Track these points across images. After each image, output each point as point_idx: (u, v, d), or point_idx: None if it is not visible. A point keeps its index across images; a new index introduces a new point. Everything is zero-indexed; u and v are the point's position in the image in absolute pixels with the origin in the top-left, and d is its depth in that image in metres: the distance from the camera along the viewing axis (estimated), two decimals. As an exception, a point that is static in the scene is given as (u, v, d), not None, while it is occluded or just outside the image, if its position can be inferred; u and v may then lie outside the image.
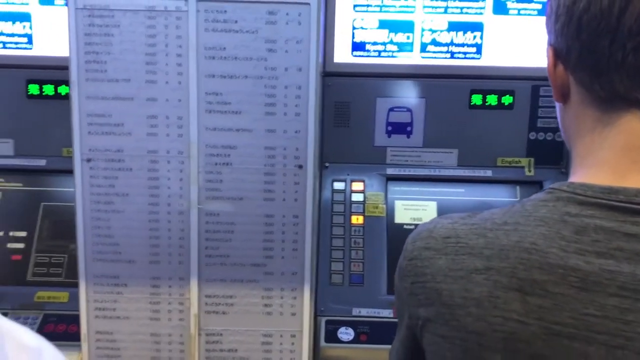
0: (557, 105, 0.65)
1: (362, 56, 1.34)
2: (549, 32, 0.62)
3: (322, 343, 1.15)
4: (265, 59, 1.03)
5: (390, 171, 1.36)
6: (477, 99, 1.35)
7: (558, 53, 0.60)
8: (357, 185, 1.35)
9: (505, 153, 1.36)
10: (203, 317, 1.09)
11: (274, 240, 1.08)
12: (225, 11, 1.02)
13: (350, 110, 1.36)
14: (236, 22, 1.02)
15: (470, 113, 1.35)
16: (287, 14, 1.02)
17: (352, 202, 1.33)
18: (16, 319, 1.21)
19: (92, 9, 1.01)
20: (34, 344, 0.47)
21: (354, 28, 1.33)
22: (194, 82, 1.03)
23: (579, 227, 0.58)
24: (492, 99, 1.34)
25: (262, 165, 1.05)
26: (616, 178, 0.59)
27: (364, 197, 1.33)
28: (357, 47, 1.34)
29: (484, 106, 1.35)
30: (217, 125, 1.04)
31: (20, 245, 1.33)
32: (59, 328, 1.18)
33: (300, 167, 1.05)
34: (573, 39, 0.57)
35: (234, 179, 1.06)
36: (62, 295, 1.24)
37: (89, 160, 1.05)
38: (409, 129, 1.36)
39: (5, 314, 1.23)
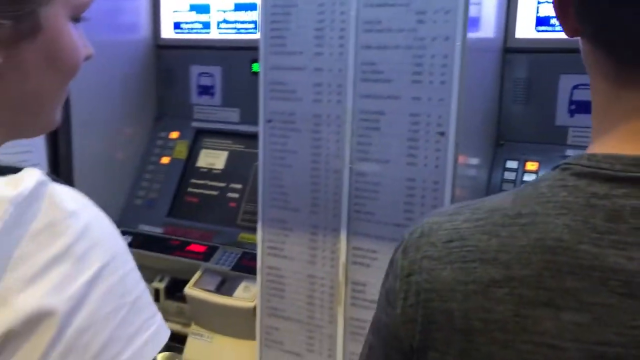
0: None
1: (547, 31, 1.30)
2: None
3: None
4: (415, 29, 1.10)
5: (570, 152, 1.29)
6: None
7: None
8: (531, 166, 1.31)
9: None
10: (350, 267, 1.21)
11: (414, 204, 1.14)
12: (383, -13, 1.11)
13: (531, 87, 1.33)
14: (392, -4, 1.11)
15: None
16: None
17: (522, 183, 1.30)
18: (222, 252, 1.50)
19: (277, -7, 1.21)
20: (71, 207, 0.48)
21: (538, 2, 1.29)
22: (352, 53, 1.15)
23: (611, 212, 0.47)
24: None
25: (406, 131, 1.13)
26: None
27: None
28: (541, 21, 1.30)
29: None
30: (370, 93, 1.15)
31: (236, 195, 1.62)
32: (252, 263, 1.42)
33: (442, 134, 1.09)
34: None
35: (382, 143, 1.15)
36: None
37: (269, 121, 1.25)
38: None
39: (216, 248, 1.53)
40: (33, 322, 0.44)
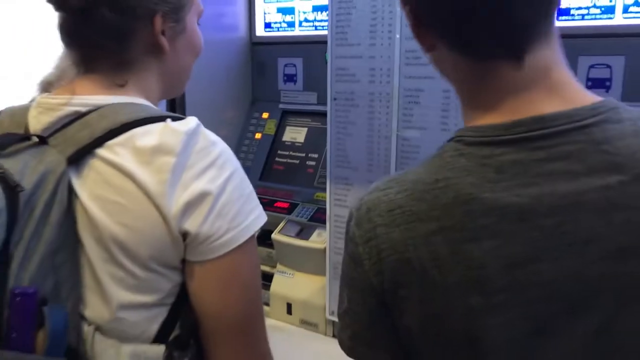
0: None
1: (565, 20, 1.54)
2: None
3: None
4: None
5: (587, 122, 1.52)
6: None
7: None
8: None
9: None
10: (397, 213, 1.52)
11: (446, 161, 1.43)
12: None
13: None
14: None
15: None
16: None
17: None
18: (302, 207, 1.85)
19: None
20: (214, 139, 0.80)
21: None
22: (398, 43, 1.46)
23: (497, 167, 0.64)
24: None
25: (440, 104, 1.42)
26: (508, 114, 0.66)
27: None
28: (561, 12, 1.54)
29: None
30: (412, 74, 1.45)
31: (313, 163, 1.96)
32: (324, 216, 1.71)
33: (466, 105, 1.38)
34: None
35: (421, 113, 1.45)
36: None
37: (335, 99, 1.59)
38: (607, 84, 1.50)
39: (296, 204, 1.88)
40: (200, 197, 0.79)
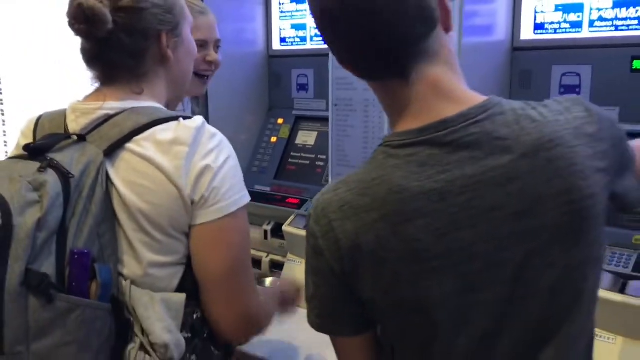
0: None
1: (542, 33, 1.71)
2: None
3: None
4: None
5: (560, 124, 1.68)
6: (637, 64, 1.55)
7: None
8: (532, 134, 1.73)
9: None
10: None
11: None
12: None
13: (531, 75, 1.74)
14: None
15: (631, 76, 1.57)
16: None
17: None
18: (310, 203, 2.05)
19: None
20: (214, 131, 1.05)
21: (535, 12, 1.72)
22: (388, 56, 1.66)
23: (419, 162, 0.80)
24: None
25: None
26: (418, 121, 0.81)
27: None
28: (538, 27, 1.72)
29: (643, 70, 1.55)
30: (400, 83, 1.65)
31: (322, 164, 2.16)
32: None
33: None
34: None
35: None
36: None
37: (336, 105, 1.80)
38: (578, 90, 1.67)
39: (306, 200, 2.09)
40: (204, 170, 1.02)
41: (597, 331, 1.36)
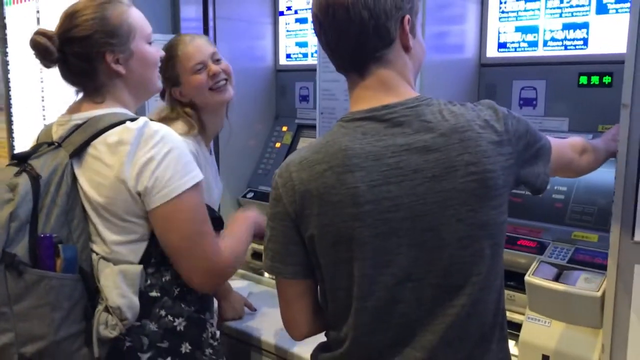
0: None
1: (504, 52, 1.91)
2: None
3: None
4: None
5: (519, 133, 1.87)
6: (583, 80, 1.73)
7: None
8: (494, 142, 1.91)
9: (605, 121, 1.66)
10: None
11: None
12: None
13: (495, 89, 1.93)
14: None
15: (578, 90, 1.74)
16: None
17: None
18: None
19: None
20: (156, 128, 1.32)
21: (499, 33, 1.91)
22: (363, 71, 1.89)
23: (362, 132, 1.07)
24: (595, 79, 1.71)
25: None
26: (366, 105, 1.10)
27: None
28: (501, 45, 1.91)
29: (589, 85, 1.72)
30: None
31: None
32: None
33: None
34: None
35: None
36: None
37: (322, 113, 2.03)
38: (534, 102, 1.85)
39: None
40: (146, 162, 1.27)
41: (534, 315, 1.60)
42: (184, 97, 1.79)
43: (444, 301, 1.08)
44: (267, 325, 1.94)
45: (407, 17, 1.10)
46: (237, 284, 2.28)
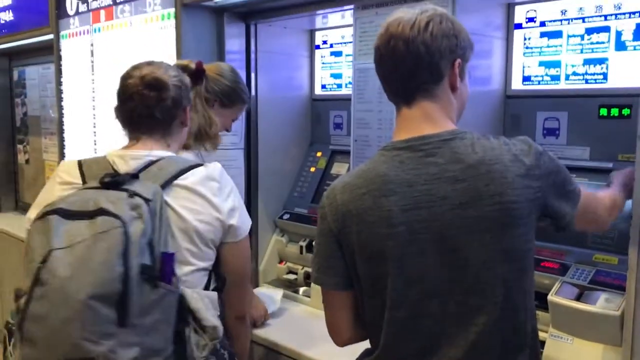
0: None
1: (529, 84, 2.03)
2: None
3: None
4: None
5: (543, 160, 1.97)
6: (603, 111, 1.85)
7: None
8: (519, 169, 2.02)
9: (624, 150, 1.75)
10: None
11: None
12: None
13: (520, 119, 2.04)
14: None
15: (599, 121, 1.85)
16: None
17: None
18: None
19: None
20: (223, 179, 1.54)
21: (523, 67, 2.04)
22: (396, 102, 2.03)
23: (400, 160, 1.19)
24: (614, 111, 1.81)
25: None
26: (407, 134, 1.21)
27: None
28: (525, 79, 2.04)
29: (609, 116, 1.83)
30: (405, 124, 2.01)
31: None
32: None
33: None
34: None
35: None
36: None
37: (356, 140, 2.17)
38: (557, 132, 1.96)
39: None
40: (233, 207, 1.51)
41: (557, 332, 1.70)
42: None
43: (467, 318, 1.18)
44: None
45: (459, 61, 1.23)
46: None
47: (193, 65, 1.85)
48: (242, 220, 1.50)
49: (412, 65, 1.20)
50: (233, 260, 1.51)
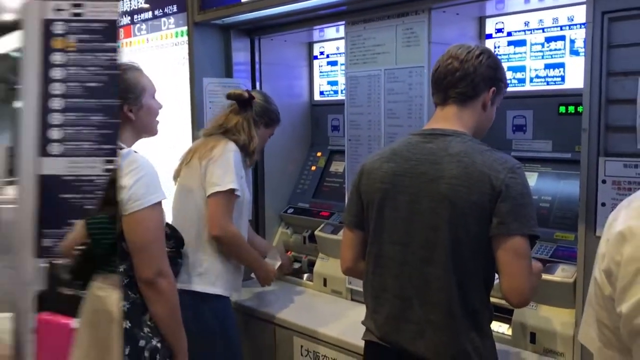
0: None
1: (499, 87, 2.31)
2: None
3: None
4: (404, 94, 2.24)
5: (513, 154, 2.24)
6: (562, 109, 2.11)
7: None
8: (493, 161, 2.30)
9: (579, 142, 2.03)
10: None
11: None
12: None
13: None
14: (400, 77, 2.28)
15: (559, 118, 2.13)
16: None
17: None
18: (337, 216, 2.66)
19: (354, 77, 2.43)
20: (136, 158, 2.13)
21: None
22: (383, 105, 2.33)
23: (409, 142, 1.60)
24: (571, 109, 2.07)
25: (406, 142, 2.26)
26: (429, 126, 1.62)
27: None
28: (496, 82, 2.31)
29: (567, 113, 2.10)
30: (391, 124, 2.30)
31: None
32: None
33: (420, 142, 2.21)
34: None
35: (396, 148, 2.29)
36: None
37: (349, 140, 2.46)
38: (524, 128, 2.23)
39: (334, 213, 2.72)
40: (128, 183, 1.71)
41: None
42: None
43: (421, 266, 1.53)
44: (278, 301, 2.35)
45: (494, 89, 1.59)
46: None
47: (246, 95, 2.27)
48: (134, 196, 1.64)
49: (459, 78, 1.55)
50: (127, 229, 1.66)
